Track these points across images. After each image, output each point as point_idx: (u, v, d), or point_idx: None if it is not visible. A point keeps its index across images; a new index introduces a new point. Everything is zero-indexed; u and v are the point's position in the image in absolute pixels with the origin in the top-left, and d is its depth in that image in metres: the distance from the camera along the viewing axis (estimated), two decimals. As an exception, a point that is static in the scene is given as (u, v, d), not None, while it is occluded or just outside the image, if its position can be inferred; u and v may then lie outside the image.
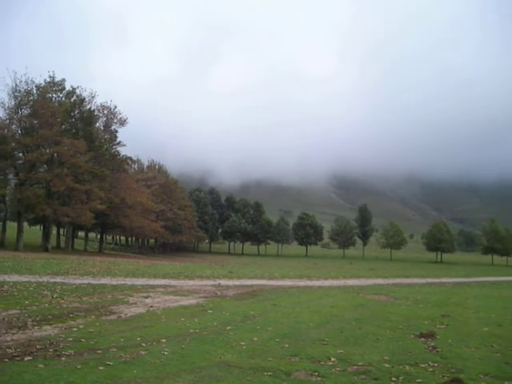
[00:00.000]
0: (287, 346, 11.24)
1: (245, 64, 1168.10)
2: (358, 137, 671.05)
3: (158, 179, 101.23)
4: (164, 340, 11.21)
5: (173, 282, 26.40)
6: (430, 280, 43.72)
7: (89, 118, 69.01)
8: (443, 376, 9.17)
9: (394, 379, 8.83)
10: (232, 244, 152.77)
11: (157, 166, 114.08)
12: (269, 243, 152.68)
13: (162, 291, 21.51)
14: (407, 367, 9.71)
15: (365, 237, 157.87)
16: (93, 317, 14.10)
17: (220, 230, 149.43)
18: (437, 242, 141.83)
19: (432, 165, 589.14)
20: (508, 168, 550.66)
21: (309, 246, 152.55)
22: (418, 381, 8.80)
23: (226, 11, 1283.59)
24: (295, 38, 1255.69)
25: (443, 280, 45.00)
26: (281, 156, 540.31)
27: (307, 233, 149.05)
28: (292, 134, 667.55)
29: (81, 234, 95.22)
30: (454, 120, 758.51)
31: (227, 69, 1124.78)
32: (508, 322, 16.80)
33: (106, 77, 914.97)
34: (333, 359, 10.09)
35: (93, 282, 23.72)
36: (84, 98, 69.44)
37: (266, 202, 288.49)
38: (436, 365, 10.03)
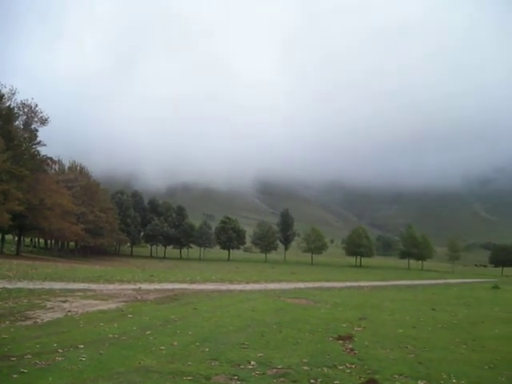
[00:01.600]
0: (207, 350, 11.23)
1: (178, 64, 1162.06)
2: (285, 143, 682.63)
3: (79, 181, 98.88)
4: (82, 346, 10.95)
5: (92, 286, 25.79)
6: (348, 284, 44.69)
7: (7, 115, 66.37)
8: (360, 377, 9.43)
9: (312, 381, 9.00)
10: (154, 247, 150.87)
11: (78, 168, 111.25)
12: (191, 247, 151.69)
13: (80, 295, 20.99)
14: (325, 369, 9.91)
15: (286, 241, 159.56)
16: (7, 322, 13.60)
17: (142, 234, 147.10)
18: (356, 247, 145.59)
19: (355, 173, 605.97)
20: (427, 177, 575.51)
21: (231, 250, 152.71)
22: (335, 382, 9.01)
23: (161, 11, 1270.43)
24: (234, 40, 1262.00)
25: (361, 284, 46.07)
26: (209, 160, 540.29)
27: (230, 237, 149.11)
28: (222, 135, 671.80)
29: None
30: (378, 130, 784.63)
31: (158, 70, 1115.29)
32: (422, 323, 17.47)
33: (31, 72, 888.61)
34: (253, 363, 10.17)
35: (8, 286, 22.82)
36: (3, 95, 66.75)
37: (191, 205, 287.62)
38: (353, 366, 10.30)
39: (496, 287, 46.06)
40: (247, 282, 38.30)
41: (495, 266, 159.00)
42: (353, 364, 10.49)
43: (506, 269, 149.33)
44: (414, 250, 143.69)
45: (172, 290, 26.49)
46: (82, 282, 28.57)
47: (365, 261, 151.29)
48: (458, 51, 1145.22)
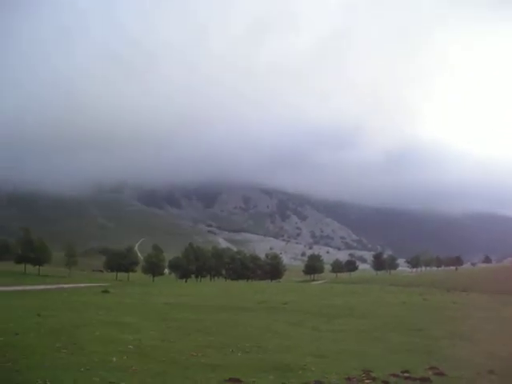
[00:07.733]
0: None
1: None
2: None
3: None
4: None
5: None
6: None
7: None
8: None
9: None
10: None
11: None
12: None
13: None
14: None
15: None
16: None
17: None
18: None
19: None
20: (53, 181, 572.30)
21: None
22: None
23: None
24: None
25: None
26: None
27: None
28: None
29: None
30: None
31: None
32: (25, 330, 17.26)
33: None
34: None
35: None
36: None
37: None
38: None
39: (106, 291, 48.10)
40: None
41: (111, 271, 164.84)
42: None
43: (120, 273, 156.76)
44: (31, 254, 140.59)
45: None
46: None
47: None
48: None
